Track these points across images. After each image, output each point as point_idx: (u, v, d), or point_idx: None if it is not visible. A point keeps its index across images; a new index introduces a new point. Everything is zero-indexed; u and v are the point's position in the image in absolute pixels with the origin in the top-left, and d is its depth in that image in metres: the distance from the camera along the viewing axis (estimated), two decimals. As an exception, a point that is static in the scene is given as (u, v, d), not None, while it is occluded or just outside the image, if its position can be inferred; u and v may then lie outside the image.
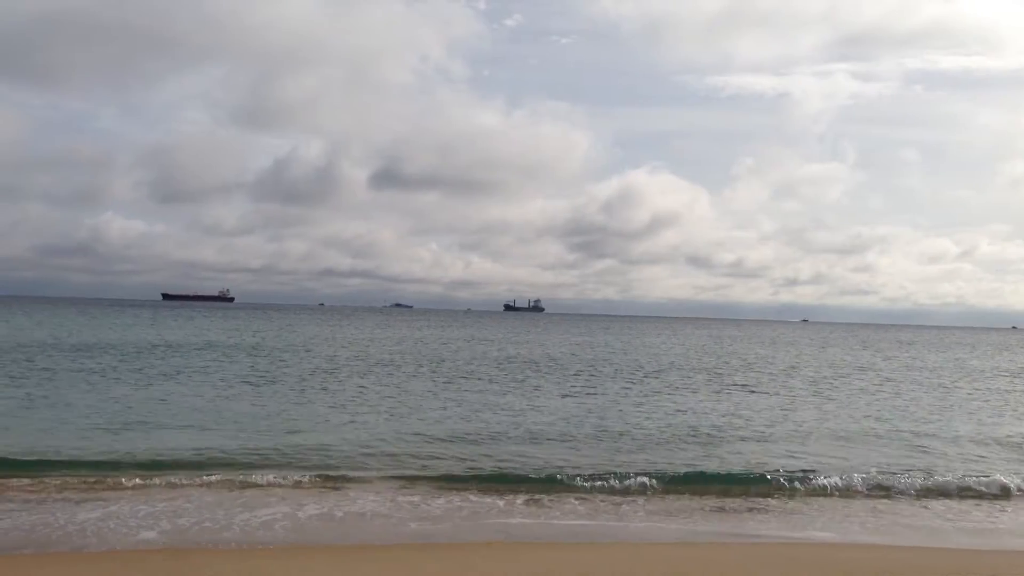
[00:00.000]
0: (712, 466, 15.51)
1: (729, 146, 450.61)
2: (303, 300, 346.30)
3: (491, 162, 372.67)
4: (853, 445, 18.66)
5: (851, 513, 12.70)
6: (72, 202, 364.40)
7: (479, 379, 31.91)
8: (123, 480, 12.87)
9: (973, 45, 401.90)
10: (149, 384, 26.33)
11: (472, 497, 12.70)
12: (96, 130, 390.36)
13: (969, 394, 32.58)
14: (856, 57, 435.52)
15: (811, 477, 14.33)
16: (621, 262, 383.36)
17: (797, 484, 13.99)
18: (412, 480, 13.68)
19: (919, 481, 14.43)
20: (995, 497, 13.92)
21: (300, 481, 13.22)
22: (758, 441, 18.79)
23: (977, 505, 13.46)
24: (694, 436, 19.12)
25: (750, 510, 12.73)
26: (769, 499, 13.40)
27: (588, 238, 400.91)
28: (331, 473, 13.92)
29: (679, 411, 23.76)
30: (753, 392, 30.13)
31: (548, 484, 13.57)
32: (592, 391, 28.75)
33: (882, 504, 13.35)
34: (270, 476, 13.40)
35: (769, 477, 14.28)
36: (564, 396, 27.04)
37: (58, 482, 12.61)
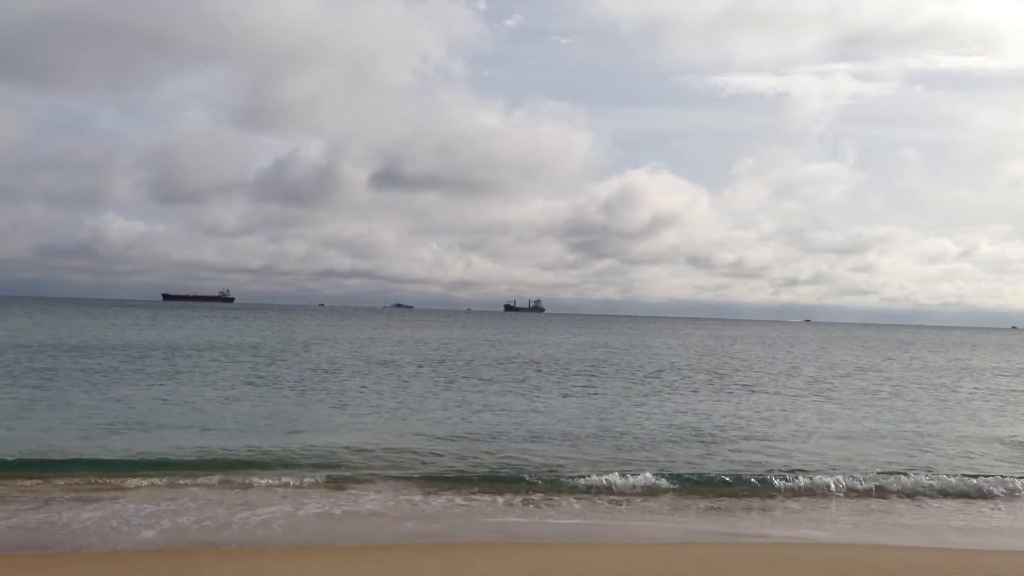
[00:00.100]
0: (712, 466, 15.52)
1: (729, 146, 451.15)
2: (303, 300, 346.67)
3: (491, 162, 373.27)
4: (854, 445, 18.66)
5: (851, 513, 12.72)
6: (73, 203, 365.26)
7: (479, 379, 31.92)
8: (124, 480, 12.88)
9: (973, 45, 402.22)
10: (150, 384, 26.35)
11: (472, 497, 12.72)
12: (96, 131, 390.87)
13: (970, 394, 32.59)
14: (856, 57, 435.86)
15: (811, 477, 14.33)
16: (621, 262, 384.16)
17: (797, 484, 13.98)
18: (412, 480, 13.69)
19: (919, 481, 14.44)
20: (995, 497, 13.92)
21: (301, 481, 13.22)
22: (758, 441, 18.79)
23: (977, 505, 13.47)
24: (694, 436, 19.13)
25: (749, 510, 12.74)
26: (769, 499, 13.41)
27: (588, 238, 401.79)
28: (332, 473, 13.92)
29: (679, 411, 23.77)
30: (754, 392, 30.13)
31: (548, 484, 13.57)
32: (592, 391, 28.76)
33: (882, 504, 13.36)
34: (271, 476, 13.41)
35: (769, 477, 14.28)
36: (564, 396, 27.05)
37: (60, 482, 12.63)
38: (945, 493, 14.00)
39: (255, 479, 13.19)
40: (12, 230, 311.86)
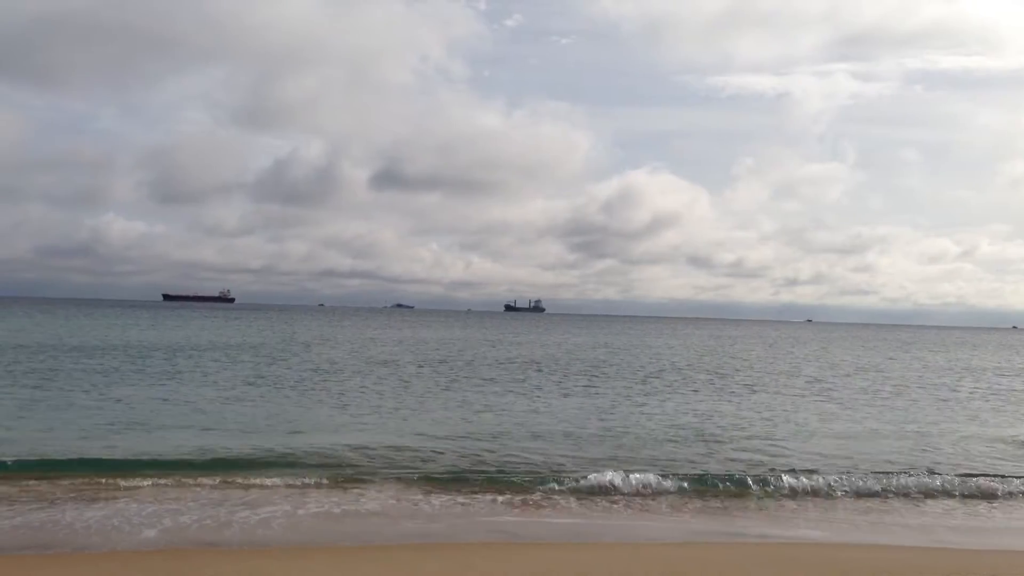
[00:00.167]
0: (713, 466, 15.54)
1: (729, 146, 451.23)
2: (304, 301, 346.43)
3: (491, 162, 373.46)
4: (854, 445, 18.67)
5: (851, 513, 12.72)
6: (73, 203, 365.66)
7: (480, 379, 31.93)
8: (125, 480, 12.89)
9: (973, 45, 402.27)
10: (151, 384, 26.37)
11: (472, 497, 12.72)
12: (96, 130, 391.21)
13: (970, 394, 32.60)
14: (856, 57, 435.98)
15: (812, 477, 14.34)
16: (621, 262, 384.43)
17: (797, 484, 13.98)
18: (412, 480, 13.70)
19: (920, 481, 14.45)
20: (996, 497, 13.93)
21: (301, 481, 13.23)
22: (759, 441, 18.80)
23: (977, 505, 13.47)
24: (695, 436, 19.14)
25: (749, 510, 12.75)
26: (769, 499, 13.41)
27: (588, 238, 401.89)
28: (332, 473, 13.94)
29: (680, 411, 23.79)
30: (754, 392, 30.14)
31: (548, 484, 13.57)
32: (593, 391, 28.77)
33: (882, 504, 13.36)
34: (271, 476, 13.43)
35: (770, 477, 14.29)
36: (565, 396, 27.06)
37: (62, 482, 12.64)
38: (945, 493, 14.00)
39: (256, 479, 13.21)
40: (12, 230, 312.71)
